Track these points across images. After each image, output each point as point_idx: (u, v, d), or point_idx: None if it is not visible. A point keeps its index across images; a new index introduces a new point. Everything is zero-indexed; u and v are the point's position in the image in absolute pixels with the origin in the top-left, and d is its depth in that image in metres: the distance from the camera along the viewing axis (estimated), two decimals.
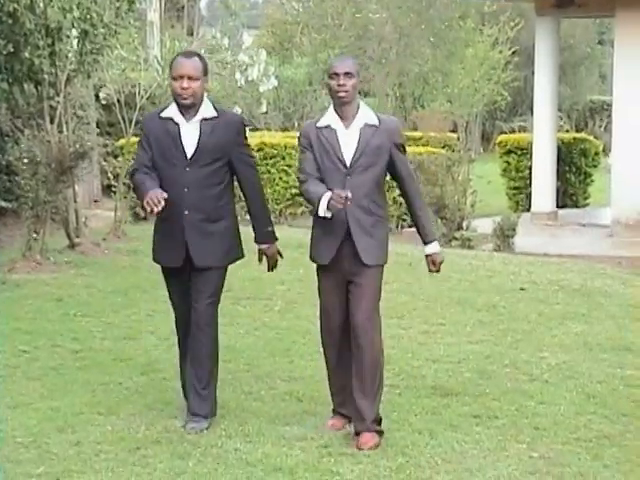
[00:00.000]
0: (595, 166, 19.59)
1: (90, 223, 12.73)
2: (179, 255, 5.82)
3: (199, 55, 5.94)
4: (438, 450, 5.47)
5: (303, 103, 22.50)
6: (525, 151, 18.32)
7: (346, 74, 5.64)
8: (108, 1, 11.48)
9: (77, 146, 11.00)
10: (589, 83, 34.82)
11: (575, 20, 27.97)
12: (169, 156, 5.82)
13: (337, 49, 23.46)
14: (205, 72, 5.83)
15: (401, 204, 13.05)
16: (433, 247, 5.84)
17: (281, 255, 6.06)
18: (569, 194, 18.89)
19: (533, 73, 17.50)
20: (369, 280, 5.63)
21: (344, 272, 5.66)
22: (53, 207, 11.05)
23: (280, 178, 16.36)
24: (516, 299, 9.61)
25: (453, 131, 18.51)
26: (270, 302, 9.16)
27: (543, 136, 16.92)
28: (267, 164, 16.30)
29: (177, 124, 5.82)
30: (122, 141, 14.25)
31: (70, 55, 11.31)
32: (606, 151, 20.96)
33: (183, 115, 5.82)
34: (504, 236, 13.73)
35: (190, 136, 5.80)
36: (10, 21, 10.61)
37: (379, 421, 5.66)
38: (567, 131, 26.14)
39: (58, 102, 11.32)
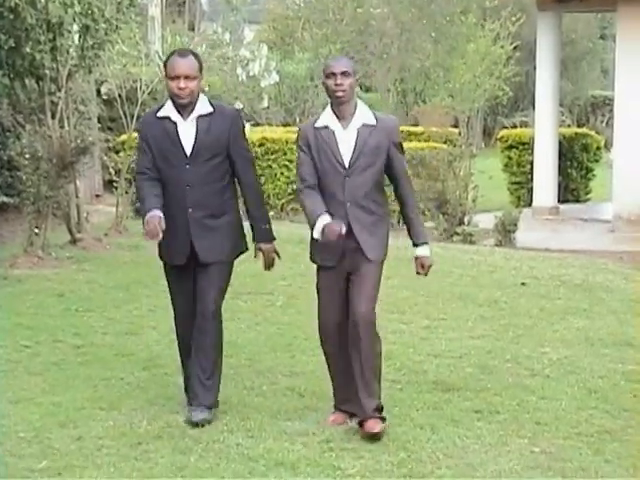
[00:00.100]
0: (597, 161, 19.58)
1: (92, 218, 12.73)
2: (185, 252, 5.84)
3: (194, 53, 5.94)
4: (440, 445, 5.48)
5: (304, 98, 22.47)
6: (526, 146, 18.31)
7: (343, 73, 5.64)
8: None
9: (78, 141, 11.00)
10: (591, 78, 34.76)
11: (577, 15, 27.94)
12: (169, 155, 5.82)
13: (338, 44, 23.44)
14: (201, 70, 5.83)
15: None
16: (423, 250, 5.83)
17: (278, 255, 6.04)
18: (570, 189, 18.88)
19: (535, 68, 17.49)
20: (371, 272, 5.65)
21: (345, 268, 5.67)
22: (55, 202, 11.05)
23: (281, 173, 16.35)
24: (517, 294, 9.61)
25: (455, 126, 18.47)
26: (271, 297, 9.17)
27: (545, 131, 16.92)
28: (268, 159, 16.30)
29: (174, 123, 5.82)
30: (123, 136, 14.24)
31: (71, 50, 11.31)
32: (608, 146, 20.96)
33: (180, 113, 5.81)
34: (505, 231, 13.72)
35: (188, 134, 5.81)
36: (11, 16, 10.61)
37: (381, 409, 5.69)
38: (569, 126, 26.12)
39: (59, 97, 11.32)
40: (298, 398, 6.28)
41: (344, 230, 5.45)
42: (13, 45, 10.72)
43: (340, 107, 5.67)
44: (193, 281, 5.90)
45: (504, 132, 20.20)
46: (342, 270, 5.68)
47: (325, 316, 5.78)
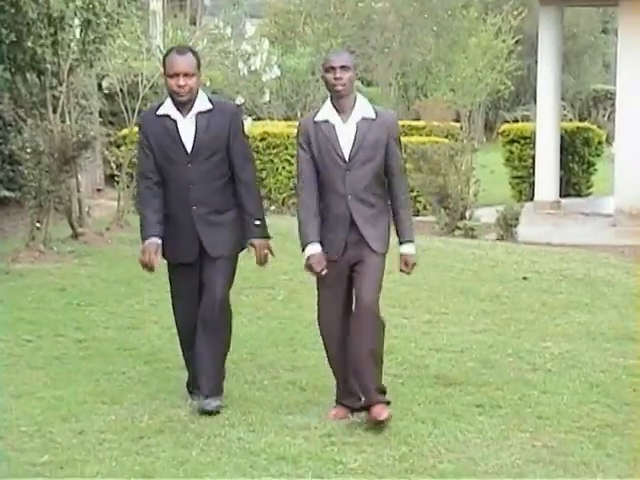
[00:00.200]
0: (598, 155, 19.56)
1: (93, 213, 12.73)
2: (192, 249, 5.85)
3: (192, 50, 5.94)
4: (441, 439, 5.48)
5: (306, 92, 22.44)
6: (528, 140, 18.28)
7: (342, 67, 5.65)
8: None
9: (80, 136, 10.99)
10: (592, 72, 34.69)
11: (579, 9, 27.89)
12: (170, 153, 5.82)
13: (340, 38, 23.41)
14: (199, 66, 5.82)
15: None
16: (408, 248, 5.84)
17: (272, 252, 6.03)
18: (572, 183, 18.86)
19: (536, 62, 17.47)
20: (375, 263, 5.68)
21: (349, 260, 5.68)
22: (56, 197, 11.04)
23: (283, 167, 16.34)
24: (519, 288, 9.61)
25: (456, 120, 18.43)
26: (273, 291, 9.17)
27: (546, 125, 16.91)
28: (270, 153, 16.30)
29: (174, 120, 5.82)
30: (125, 130, 14.24)
31: (73, 44, 11.29)
32: (609, 140, 20.92)
33: (179, 111, 5.81)
34: (507, 225, 13.72)
35: (188, 131, 5.81)
36: (13, 10, 10.60)
37: (384, 391, 5.73)
38: (570, 120, 26.08)
39: (61, 92, 11.30)
40: (299, 392, 6.28)
41: (324, 273, 5.60)
42: (14, 39, 10.71)
43: (339, 101, 5.68)
44: (198, 278, 5.91)
45: (506, 126, 20.18)
46: (346, 262, 5.69)
47: (326, 311, 5.79)
